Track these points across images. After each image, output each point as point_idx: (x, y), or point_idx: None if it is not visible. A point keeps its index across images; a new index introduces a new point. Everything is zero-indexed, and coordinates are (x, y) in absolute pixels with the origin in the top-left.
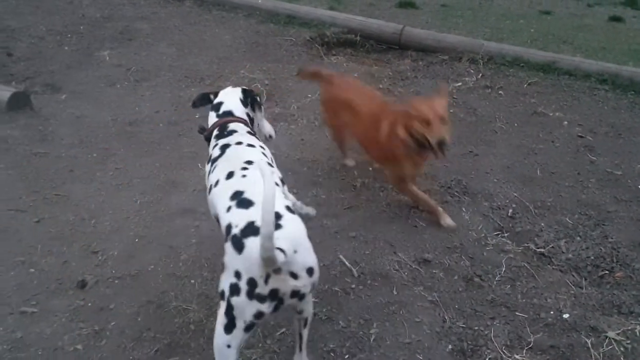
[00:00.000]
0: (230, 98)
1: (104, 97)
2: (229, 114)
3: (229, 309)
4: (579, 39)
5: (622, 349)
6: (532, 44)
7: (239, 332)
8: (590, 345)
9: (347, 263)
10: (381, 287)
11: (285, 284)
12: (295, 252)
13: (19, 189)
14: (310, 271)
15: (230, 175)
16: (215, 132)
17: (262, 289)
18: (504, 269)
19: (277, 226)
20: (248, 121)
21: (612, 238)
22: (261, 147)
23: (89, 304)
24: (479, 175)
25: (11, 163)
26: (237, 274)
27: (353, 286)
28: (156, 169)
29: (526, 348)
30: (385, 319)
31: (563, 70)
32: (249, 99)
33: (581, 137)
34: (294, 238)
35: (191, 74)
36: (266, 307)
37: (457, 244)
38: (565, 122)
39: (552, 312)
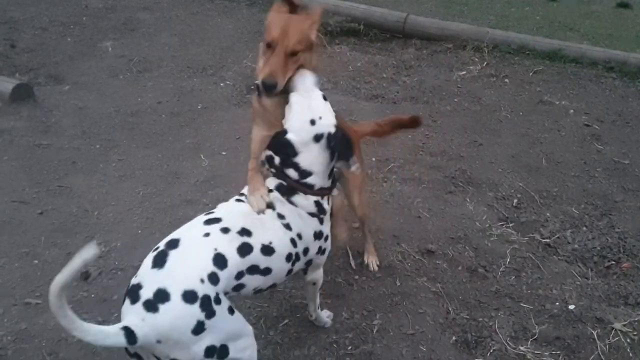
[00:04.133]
0: None
1: (107, 88)
2: None
3: None
4: (586, 26)
5: (628, 340)
6: (538, 31)
7: None
8: (596, 337)
9: (350, 254)
10: (384, 278)
11: None
12: (159, 342)
13: (22, 180)
14: None
15: None
16: None
17: None
18: (508, 260)
19: (152, 307)
20: None
21: (618, 228)
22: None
23: (92, 295)
24: (484, 165)
25: (14, 155)
26: None
27: (356, 277)
28: (158, 160)
29: (531, 339)
30: (388, 310)
31: (569, 58)
32: None
33: (588, 125)
34: (162, 330)
35: (193, 64)
36: None
37: (461, 234)
38: (572, 111)
39: (557, 303)
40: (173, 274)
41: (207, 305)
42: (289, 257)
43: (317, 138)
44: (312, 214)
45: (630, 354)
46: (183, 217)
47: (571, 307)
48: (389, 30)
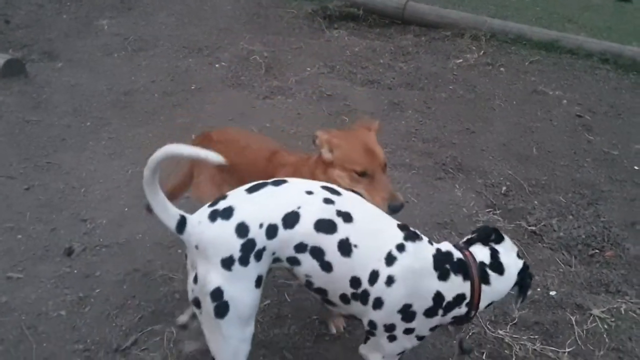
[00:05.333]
0: None
1: (100, 66)
2: None
3: None
4: (584, 18)
5: (605, 326)
6: (537, 22)
7: None
8: (574, 322)
9: None
10: None
11: None
12: (196, 247)
13: (10, 155)
14: None
15: None
16: None
17: None
18: None
19: (213, 217)
20: None
21: (604, 217)
22: None
23: (75, 271)
24: (475, 153)
25: (3, 130)
26: None
27: None
28: (149, 139)
29: (510, 324)
30: None
31: (565, 49)
32: None
33: (580, 116)
34: (203, 239)
35: (189, 44)
36: None
37: (447, 220)
38: (565, 101)
39: (539, 289)
40: (249, 203)
41: (247, 251)
42: (355, 282)
43: (519, 255)
44: (436, 297)
45: (607, 340)
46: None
47: (552, 293)
48: (388, 16)
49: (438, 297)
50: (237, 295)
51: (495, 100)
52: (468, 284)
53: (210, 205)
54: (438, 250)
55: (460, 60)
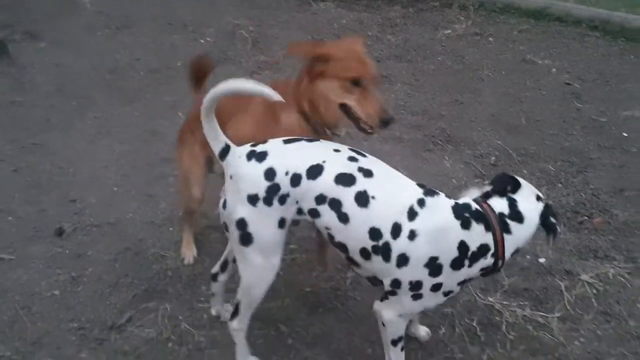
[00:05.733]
0: None
1: (84, 45)
2: None
3: None
4: None
5: (594, 291)
6: None
7: None
8: (563, 288)
9: None
10: None
11: None
12: (231, 177)
13: None
14: None
15: None
16: None
17: None
18: None
19: (250, 156)
20: None
21: (593, 185)
22: None
23: (67, 251)
24: (464, 124)
25: None
26: None
27: None
28: (135, 117)
29: (500, 291)
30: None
31: (554, 17)
32: None
33: (568, 84)
34: (237, 173)
35: (174, 21)
36: None
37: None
38: (554, 70)
39: (528, 257)
40: (281, 151)
41: (271, 193)
42: (374, 234)
43: (538, 197)
44: (460, 246)
45: (595, 304)
46: (159, 175)
47: (542, 260)
48: None
49: (462, 246)
50: (260, 230)
51: (484, 71)
52: (490, 235)
53: (252, 146)
54: (456, 202)
55: (449, 31)
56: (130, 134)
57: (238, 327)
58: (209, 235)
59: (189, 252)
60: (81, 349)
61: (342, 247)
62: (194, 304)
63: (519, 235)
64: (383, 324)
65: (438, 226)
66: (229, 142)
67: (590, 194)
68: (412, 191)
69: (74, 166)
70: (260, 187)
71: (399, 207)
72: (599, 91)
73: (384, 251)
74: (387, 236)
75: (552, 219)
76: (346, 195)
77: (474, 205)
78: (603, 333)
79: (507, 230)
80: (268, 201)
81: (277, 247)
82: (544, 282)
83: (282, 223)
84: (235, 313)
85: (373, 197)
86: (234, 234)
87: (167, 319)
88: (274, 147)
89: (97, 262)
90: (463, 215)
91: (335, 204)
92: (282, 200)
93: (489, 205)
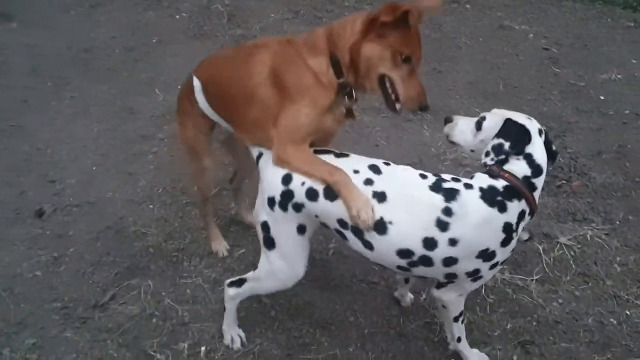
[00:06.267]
0: None
1: (58, 24)
2: None
3: None
4: None
5: (572, 253)
6: None
7: None
8: (542, 251)
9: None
10: None
11: None
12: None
13: None
14: None
15: None
16: None
17: None
18: None
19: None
20: None
21: (571, 149)
22: None
23: (47, 232)
24: (442, 92)
25: None
26: None
27: None
28: (112, 95)
29: None
30: (335, 240)
31: None
32: None
33: (546, 49)
34: (265, 174)
35: None
36: None
37: (416, 160)
38: (531, 35)
39: None
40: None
41: (285, 198)
42: (404, 254)
43: (540, 131)
44: (505, 228)
45: (573, 265)
46: (138, 152)
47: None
48: None
49: (507, 227)
50: (281, 234)
51: (462, 39)
52: (523, 201)
53: None
54: (481, 189)
55: None
56: (108, 112)
57: (234, 295)
58: (190, 212)
59: (220, 246)
60: (65, 328)
61: (381, 265)
62: (176, 280)
63: (542, 183)
64: (444, 306)
65: (477, 223)
66: (262, 150)
67: (568, 157)
68: (431, 202)
69: (53, 147)
70: (277, 190)
71: (422, 223)
72: (577, 55)
73: (424, 261)
74: (420, 251)
75: (553, 147)
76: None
77: (499, 184)
78: (581, 294)
79: (534, 187)
80: (283, 206)
81: (300, 254)
82: (523, 246)
83: (301, 229)
84: (236, 284)
85: (390, 223)
86: (259, 234)
87: (150, 296)
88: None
89: (78, 242)
90: (496, 200)
91: (358, 232)
92: (297, 208)
93: (510, 174)
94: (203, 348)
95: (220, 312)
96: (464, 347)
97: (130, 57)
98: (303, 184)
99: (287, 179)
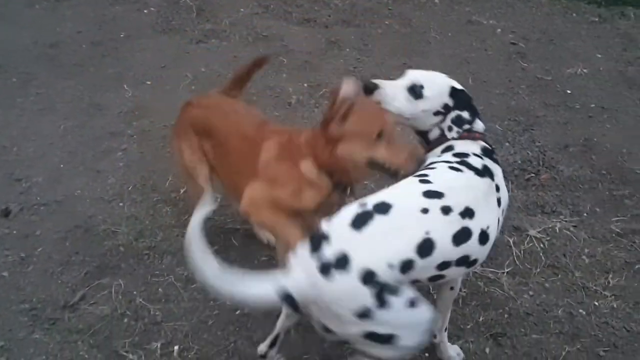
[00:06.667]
0: None
1: (22, 18)
2: None
3: None
4: None
5: (541, 245)
6: None
7: None
8: (512, 244)
9: None
10: None
11: None
12: (315, 303)
13: None
14: None
15: None
16: None
17: None
18: None
19: (327, 271)
20: None
21: (539, 142)
22: None
23: (14, 232)
24: None
25: None
26: None
27: None
28: (80, 91)
29: None
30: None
31: None
32: None
33: (514, 44)
34: (325, 299)
35: None
36: None
37: None
38: (499, 30)
39: None
40: (366, 244)
41: (381, 294)
42: (443, 265)
43: None
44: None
45: (543, 258)
46: (107, 149)
47: None
48: None
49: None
50: (390, 326)
51: (431, 33)
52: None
53: (314, 249)
54: (484, 153)
55: None
56: (75, 108)
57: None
58: (161, 209)
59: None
60: (34, 329)
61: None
62: (148, 279)
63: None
64: (452, 287)
65: (502, 181)
66: (276, 280)
67: (536, 151)
68: (489, 185)
69: (18, 144)
70: (365, 298)
71: (494, 207)
72: (544, 50)
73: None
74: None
75: None
76: (470, 249)
77: (480, 146)
78: (551, 285)
79: None
80: (382, 304)
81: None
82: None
83: (412, 302)
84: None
85: (488, 228)
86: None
87: (122, 295)
88: (346, 239)
89: (46, 242)
90: (494, 158)
91: (462, 261)
92: (395, 291)
93: (480, 134)
94: (176, 347)
95: (193, 310)
96: (446, 338)
97: (97, 52)
98: (391, 266)
99: (368, 277)
